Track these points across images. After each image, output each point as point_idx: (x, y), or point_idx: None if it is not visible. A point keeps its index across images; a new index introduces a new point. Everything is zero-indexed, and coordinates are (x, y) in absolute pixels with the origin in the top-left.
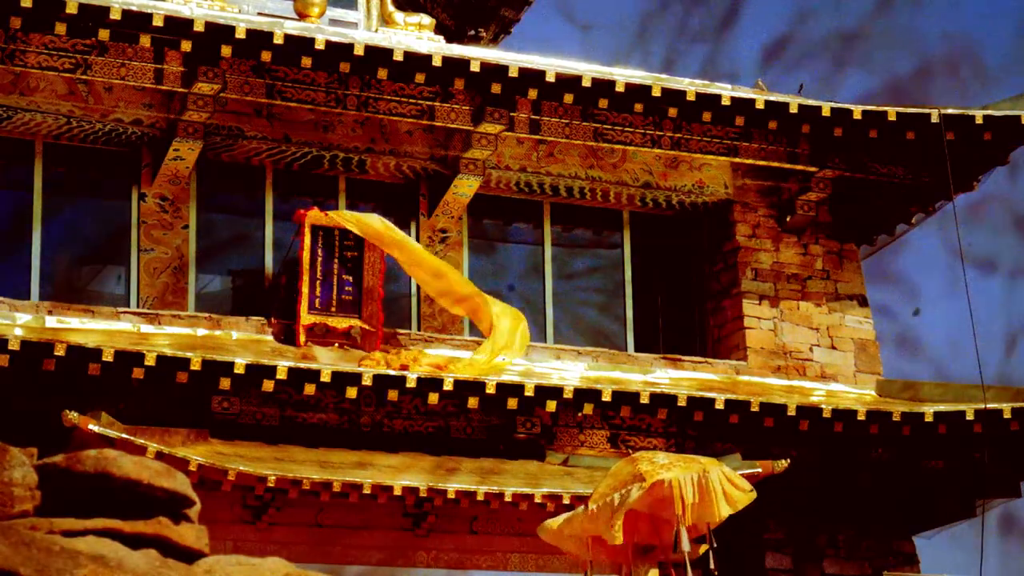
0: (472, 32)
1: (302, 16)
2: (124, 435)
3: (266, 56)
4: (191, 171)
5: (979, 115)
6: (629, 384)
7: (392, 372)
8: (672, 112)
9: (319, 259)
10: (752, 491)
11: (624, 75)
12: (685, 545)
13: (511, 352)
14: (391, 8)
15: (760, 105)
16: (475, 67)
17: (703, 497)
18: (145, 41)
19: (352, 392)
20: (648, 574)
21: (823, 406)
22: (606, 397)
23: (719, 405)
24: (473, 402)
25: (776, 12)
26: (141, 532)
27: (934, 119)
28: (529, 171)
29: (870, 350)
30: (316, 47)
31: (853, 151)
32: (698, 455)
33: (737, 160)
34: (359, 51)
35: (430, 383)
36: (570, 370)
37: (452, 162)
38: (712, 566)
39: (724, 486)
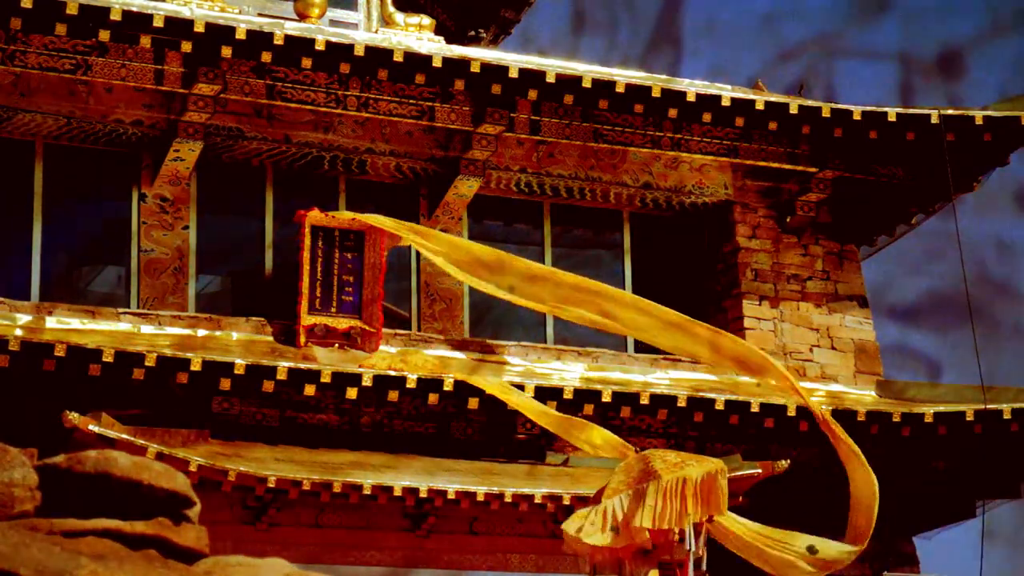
0: (472, 33)
1: (302, 17)
2: (124, 435)
3: (266, 57)
4: (191, 172)
5: (979, 116)
6: (629, 384)
7: (392, 372)
8: (672, 113)
9: (319, 259)
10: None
11: (624, 76)
12: (692, 544)
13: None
14: (391, 9)
15: (760, 106)
16: (475, 68)
17: (708, 496)
18: (145, 42)
19: (352, 393)
20: (648, 574)
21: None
22: (606, 397)
23: (719, 406)
24: (473, 403)
25: None
26: (141, 533)
27: (934, 120)
28: (529, 171)
29: (870, 351)
30: (316, 48)
31: (853, 152)
32: (699, 455)
33: (737, 161)
34: (359, 52)
35: (430, 384)
36: (570, 370)
37: (452, 163)
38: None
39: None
